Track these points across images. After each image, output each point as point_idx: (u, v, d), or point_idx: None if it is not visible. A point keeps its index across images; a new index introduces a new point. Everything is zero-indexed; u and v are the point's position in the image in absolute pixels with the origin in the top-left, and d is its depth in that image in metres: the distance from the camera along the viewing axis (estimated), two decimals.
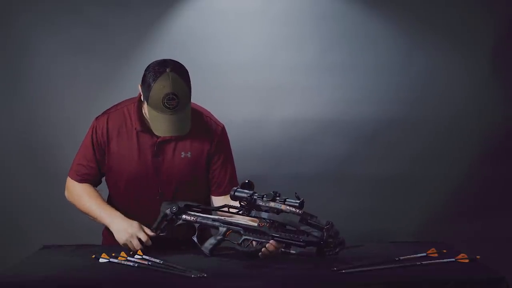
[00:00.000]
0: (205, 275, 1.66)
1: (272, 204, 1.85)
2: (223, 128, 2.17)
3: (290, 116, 3.23)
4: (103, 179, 2.20)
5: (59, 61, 3.16)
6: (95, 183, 2.19)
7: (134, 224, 2.01)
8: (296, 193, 1.86)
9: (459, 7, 3.20)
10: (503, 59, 3.21)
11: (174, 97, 1.94)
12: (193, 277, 1.65)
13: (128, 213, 2.07)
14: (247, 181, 1.93)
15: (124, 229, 2.00)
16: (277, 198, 1.86)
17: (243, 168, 2.29)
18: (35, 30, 3.14)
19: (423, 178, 3.25)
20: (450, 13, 3.21)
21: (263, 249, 1.87)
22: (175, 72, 1.96)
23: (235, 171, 2.21)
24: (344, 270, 1.71)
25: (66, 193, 2.22)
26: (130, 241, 1.97)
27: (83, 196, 2.14)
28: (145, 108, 2.04)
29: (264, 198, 1.87)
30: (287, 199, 1.85)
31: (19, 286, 1.65)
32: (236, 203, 1.94)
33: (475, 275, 1.71)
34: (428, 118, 3.25)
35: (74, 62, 3.16)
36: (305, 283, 1.66)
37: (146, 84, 1.98)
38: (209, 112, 2.19)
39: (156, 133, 2.03)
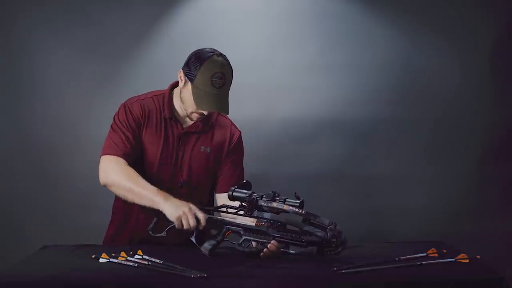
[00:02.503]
0: (205, 275, 1.65)
1: (274, 204, 1.85)
2: (241, 134, 2.26)
3: (290, 115, 3.23)
4: None
5: (59, 61, 3.16)
6: (129, 162, 2.11)
7: (191, 204, 1.99)
8: (295, 193, 1.86)
9: (458, 7, 3.20)
10: (502, 59, 3.21)
11: (222, 76, 2.03)
12: (193, 277, 1.65)
13: None
14: (245, 181, 1.94)
15: (183, 204, 1.97)
16: (277, 198, 1.86)
17: None
18: (35, 30, 3.14)
19: (423, 178, 3.25)
20: (450, 13, 3.21)
21: (264, 250, 1.88)
22: (223, 57, 2.07)
23: (243, 174, 2.26)
24: (344, 270, 1.70)
25: (101, 175, 2.10)
26: (187, 217, 1.94)
27: (127, 173, 2.06)
28: (184, 93, 2.09)
29: (264, 198, 1.87)
30: (286, 199, 1.85)
31: (19, 286, 1.65)
32: (234, 203, 1.94)
33: (475, 275, 1.71)
34: (427, 118, 3.25)
35: (74, 62, 3.16)
36: (305, 283, 1.66)
37: (194, 64, 2.05)
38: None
39: (199, 108, 2.07)
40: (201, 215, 1.96)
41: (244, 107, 3.14)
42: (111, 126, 2.15)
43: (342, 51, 3.23)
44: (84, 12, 3.15)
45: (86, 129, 3.15)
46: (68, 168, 3.17)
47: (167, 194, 2.02)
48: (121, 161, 2.08)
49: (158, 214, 2.02)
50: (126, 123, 2.12)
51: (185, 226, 1.95)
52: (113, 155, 2.09)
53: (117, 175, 2.06)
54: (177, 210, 1.95)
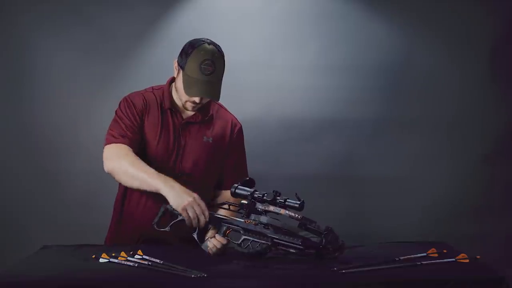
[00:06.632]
0: (205, 275, 1.65)
1: (271, 208, 1.85)
2: (241, 127, 2.29)
3: (290, 115, 3.24)
4: None
5: (59, 61, 3.16)
6: (133, 150, 2.11)
7: (194, 193, 1.97)
8: (296, 194, 1.86)
9: (458, 7, 3.20)
10: (502, 59, 3.21)
11: (212, 63, 2.06)
12: (193, 277, 1.65)
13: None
14: (247, 179, 1.94)
15: (185, 193, 1.95)
16: (278, 198, 1.86)
17: None
18: (36, 30, 3.14)
19: (423, 178, 3.25)
20: (450, 13, 3.21)
21: (210, 246, 1.91)
22: (214, 46, 2.12)
23: (247, 169, 2.30)
24: (344, 270, 1.70)
25: (105, 163, 2.11)
26: (192, 206, 1.92)
27: (130, 159, 2.05)
28: (177, 83, 2.12)
29: (265, 197, 1.87)
30: (287, 199, 1.85)
31: (19, 286, 1.65)
32: (236, 200, 1.95)
33: (475, 275, 1.71)
34: (427, 118, 3.25)
35: (74, 62, 3.17)
36: (305, 283, 1.65)
37: (185, 52, 2.09)
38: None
39: (188, 95, 2.09)
40: (204, 205, 1.95)
41: (244, 107, 3.13)
42: (113, 118, 2.17)
43: (342, 51, 3.23)
44: (84, 12, 3.15)
45: (86, 129, 3.15)
46: (68, 168, 3.17)
47: (169, 179, 1.99)
48: (124, 148, 2.09)
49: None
50: (127, 114, 2.15)
51: (191, 216, 1.92)
52: (116, 143, 2.10)
53: (119, 161, 2.07)
54: (182, 200, 1.94)
